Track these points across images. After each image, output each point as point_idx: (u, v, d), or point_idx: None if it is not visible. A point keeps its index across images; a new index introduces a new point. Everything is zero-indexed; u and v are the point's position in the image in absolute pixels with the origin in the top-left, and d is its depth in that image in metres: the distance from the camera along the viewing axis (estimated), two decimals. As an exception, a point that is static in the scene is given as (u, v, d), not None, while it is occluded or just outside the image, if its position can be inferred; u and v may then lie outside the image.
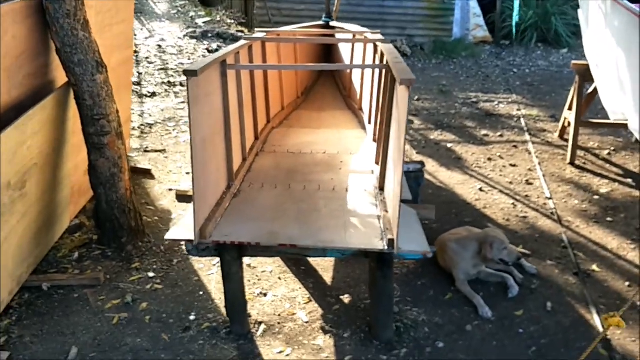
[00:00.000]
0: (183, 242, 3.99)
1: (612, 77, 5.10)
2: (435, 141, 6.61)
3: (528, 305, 3.77)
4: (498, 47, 10.54)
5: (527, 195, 5.28)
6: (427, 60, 10.01)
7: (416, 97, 8.09)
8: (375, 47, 4.83)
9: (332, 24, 6.91)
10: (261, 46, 4.88)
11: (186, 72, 2.85)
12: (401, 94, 2.92)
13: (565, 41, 10.23)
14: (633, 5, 4.59)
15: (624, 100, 4.84)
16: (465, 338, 3.49)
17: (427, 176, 5.58)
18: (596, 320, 3.61)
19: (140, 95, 7.78)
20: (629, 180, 5.52)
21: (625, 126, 5.10)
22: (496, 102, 7.87)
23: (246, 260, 4.16)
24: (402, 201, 3.38)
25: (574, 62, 6.12)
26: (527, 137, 6.65)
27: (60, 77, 3.99)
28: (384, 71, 4.13)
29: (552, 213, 4.95)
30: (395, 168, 2.99)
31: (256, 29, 5.78)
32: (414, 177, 4.57)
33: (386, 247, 2.95)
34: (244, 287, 3.49)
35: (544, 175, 5.65)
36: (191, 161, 2.91)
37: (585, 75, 5.76)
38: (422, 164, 4.72)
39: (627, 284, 3.99)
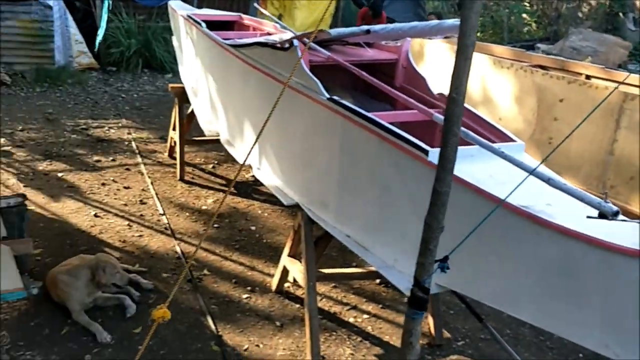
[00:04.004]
0: None
1: (205, 98, 5.60)
2: (45, 171, 6.28)
3: (146, 320, 3.88)
4: (105, 74, 10.53)
5: (141, 215, 5.41)
6: (31, 88, 9.42)
7: (20, 128, 7.55)
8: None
9: None
10: None
11: None
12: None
13: (169, 67, 10.77)
14: (214, 34, 5.11)
15: (215, 119, 5.36)
16: (84, 369, 3.42)
17: (36, 209, 5.28)
18: (209, 321, 3.91)
19: None
20: (232, 189, 6.12)
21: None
22: (107, 128, 7.86)
23: None
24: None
25: (171, 85, 6.51)
26: (139, 159, 6.81)
27: None
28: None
29: (165, 228, 5.18)
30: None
31: None
32: (16, 211, 4.25)
33: (-31, 292, 2.70)
34: None
35: (156, 194, 5.87)
36: None
37: (183, 97, 6.18)
38: (23, 196, 4.43)
39: (233, 281, 4.43)
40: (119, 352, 3.57)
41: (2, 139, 7.11)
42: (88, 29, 10.50)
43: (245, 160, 2.89)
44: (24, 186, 5.82)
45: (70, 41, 10.26)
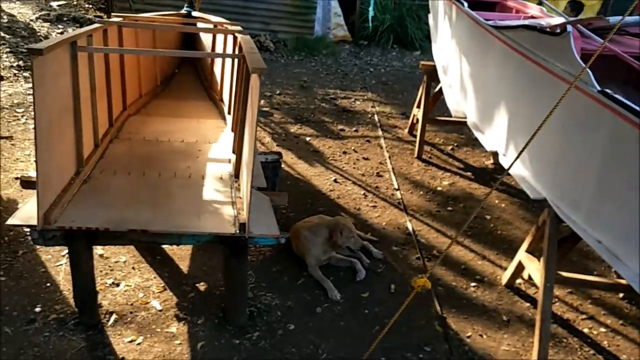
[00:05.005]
0: (29, 232, 3.81)
1: (455, 79, 5.55)
2: (295, 134, 6.79)
3: (374, 287, 4.02)
4: (357, 47, 10.98)
5: (377, 187, 5.59)
6: (290, 56, 10.20)
7: (278, 92, 8.24)
8: (235, 38, 4.88)
9: (194, 14, 6.84)
10: (117, 31, 4.75)
11: (31, 51, 2.74)
12: (253, 82, 3.00)
13: (419, 44, 10.90)
14: (475, 14, 5.01)
15: (464, 100, 5.28)
16: (315, 319, 3.65)
17: (285, 168, 5.73)
18: (435, 301, 3.92)
19: (-16, 78, 7.24)
20: (469, 174, 6.03)
21: (466, 123, 5.56)
22: (353, 99, 8.21)
23: (99, 250, 4.05)
24: (258, 188, 3.48)
25: (422, 62, 6.55)
26: (379, 132, 7.02)
27: None
28: (241, 61, 4.20)
29: (399, 203, 5.28)
30: (249, 155, 3.07)
31: (113, 14, 5.61)
32: (271, 167, 4.68)
33: (238, 231, 3.02)
34: (94, 277, 3.41)
35: (393, 168, 6.01)
36: (35, 144, 2.80)
37: (432, 75, 6.19)
38: (279, 154, 4.84)
39: (462, 267, 4.37)
40: (346, 311, 3.76)
41: (262, 101, 7.82)
42: (346, 2, 11.02)
43: (512, 164, 2.79)
44: (277, 145, 6.38)
45: (329, 14, 10.86)
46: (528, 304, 3.96)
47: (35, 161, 2.87)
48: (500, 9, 6.20)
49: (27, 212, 3.02)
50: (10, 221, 3.02)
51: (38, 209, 2.87)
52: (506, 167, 4.04)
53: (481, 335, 3.64)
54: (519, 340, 3.63)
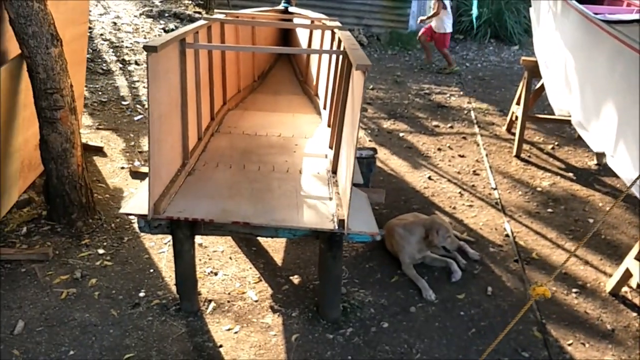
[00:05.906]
0: (135, 220, 4.00)
1: (559, 75, 5.31)
2: (388, 130, 6.74)
3: (470, 289, 3.93)
4: (452, 41, 10.74)
5: (473, 185, 5.46)
6: (383, 50, 10.14)
7: (371, 87, 8.21)
8: (333, 33, 4.91)
9: (290, 9, 6.95)
10: (220, 27, 4.89)
11: (146, 48, 2.86)
12: (357, 79, 3.00)
13: (517, 38, 10.54)
14: (583, 7, 4.78)
15: (569, 98, 5.06)
16: (408, 319, 3.62)
17: (378, 163, 5.70)
18: (534, 306, 3.79)
19: (94, 72, 7.66)
20: (570, 174, 5.77)
21: (569, 122, 5.32)
22: (448, 95, 8.06)
23: (198, 239, 4.19)
24: (354, 185, 3.48)
25: (523, 58, 6.32)
26: (476, 129, 6.85)
27: (13, 48, 3.91)
28: (340, 57, 4.21)
29: (496, 203, 5.14)
30: (348, 152, 3.08)
31: (215, 11, 5.78)
32: (366, 163, 4.66)
33: (336, 228, 3.04)
34: (195, 265, 3.53)
35: (490, 167, 5.84)
36: (148, 137, 2.93)
37: (534, 72, 5.97)
38: (374, 150, 4.82)
39: (562, 272, 4.19)
40: (441, 312, 3.70)
41: (356, 95, 7.82)
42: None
43: (634, 183, 2.65)
44: (369, 140, 6.36)
45: (425, 8, 10.70)
46: (635, 314, 3.75)
47: (148, 154, 3.00)
48: (609, 1, 5.89)
49: (137, 202, 3.16)
50: (123, 210, 3.18)
51: (149, 200, 3.00)
52: (616, 170, 3.85)
53: (583, 344, 3.48)
54: (624, 352, 3.44)
